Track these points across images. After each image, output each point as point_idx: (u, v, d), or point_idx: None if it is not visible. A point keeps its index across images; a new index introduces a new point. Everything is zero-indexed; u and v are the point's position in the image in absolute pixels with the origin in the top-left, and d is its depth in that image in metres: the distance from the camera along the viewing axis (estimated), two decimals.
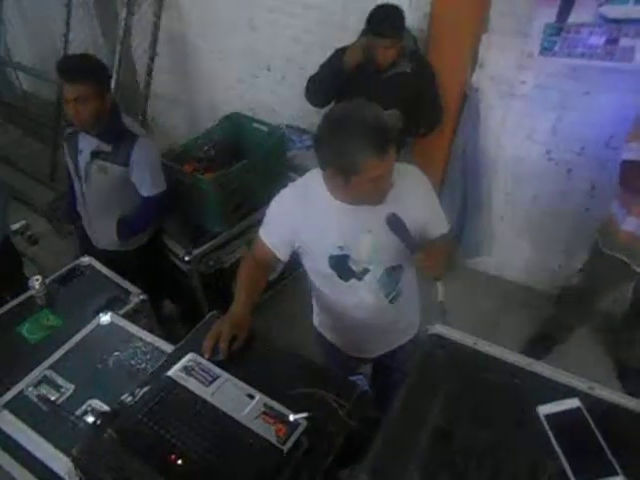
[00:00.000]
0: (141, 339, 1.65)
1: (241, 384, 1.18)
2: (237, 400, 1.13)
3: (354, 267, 1.43)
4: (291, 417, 1.07)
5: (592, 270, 2.37)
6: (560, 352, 2.61)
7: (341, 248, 1.39)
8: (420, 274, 1.38)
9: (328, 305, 1.63)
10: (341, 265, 1.43)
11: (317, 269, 1.50)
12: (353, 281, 1.46)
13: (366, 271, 1.44)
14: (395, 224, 1.31)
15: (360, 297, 1.50)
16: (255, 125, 2.77)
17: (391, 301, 1.52)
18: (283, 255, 1.49)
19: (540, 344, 2.64)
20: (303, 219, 1.41)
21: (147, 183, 2.10)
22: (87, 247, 2.31)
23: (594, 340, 2.77)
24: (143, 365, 1.56)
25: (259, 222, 2.61)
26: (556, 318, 2.67)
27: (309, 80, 2.45)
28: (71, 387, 1.49)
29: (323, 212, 1.38)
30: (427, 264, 1.29)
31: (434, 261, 1.29)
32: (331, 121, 1.24)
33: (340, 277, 1.46)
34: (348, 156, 1.19)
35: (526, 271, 3.06)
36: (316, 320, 1.80)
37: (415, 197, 1.39)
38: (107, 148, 2.03)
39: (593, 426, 0.88)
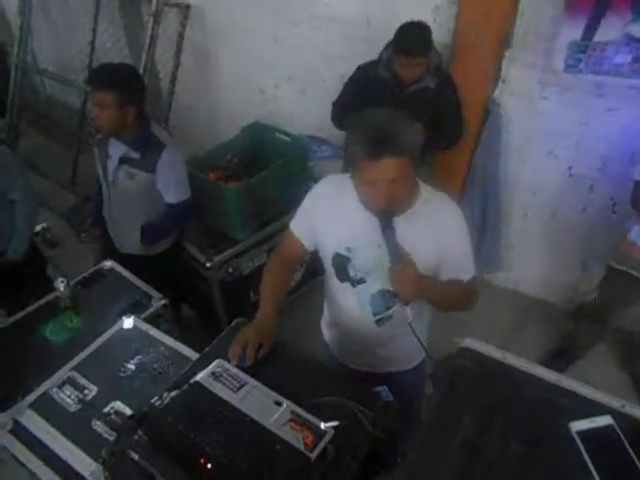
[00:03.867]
0: (163, 343, 1.66)
1: (268, 391, 1.19)
2: (265, 407, 1.14)
3: (352, 272, 1.43)
4: (322, 426, 1.07)
5: (606, 287, 2.37)
6: (577, 368, 2.58)
7: (348, 250, 1.40)
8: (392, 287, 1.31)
9: (328, 299, 1.65)
10: (341, 266, 1.44)
11: (324, 260, 1.52)
12: (347, 284, 1.46)
13: (362, 281, 1.43)
14: (386, 223, 1.28)
15: (349, 303, 1.50)
16: (277, 135, 2.81)
17: (378, 323, 1.48)
18: (309, 244, 1.53)
19: (558, 360, 2.62)
20: (327, 211, 1.45)
21: (172, 190, 2.13)
22: (110, 251, 2.34)
23: (612, 357, 2.74)
24: (165, 369, 1.57)
25: (280, 230, 2.69)
26: (573, 334, 2.65)
27: (334, 106, 2.53)
28: (94, 389, 1.51)
29: (346, 211, 1.39)
30: (397, 279, 1.26)
31: (405, 281, 1.25)
32: (355, 115, 1.30)
33: (337, 276, 1.47)
34: (350, 148, 1.24)
35: (544, 286, 3.04)
36: (323, 317, 1.80)
37: (437, 229, 1.35)
38: (135, 155, 2.06)
39: (626, 444, 0.88)
